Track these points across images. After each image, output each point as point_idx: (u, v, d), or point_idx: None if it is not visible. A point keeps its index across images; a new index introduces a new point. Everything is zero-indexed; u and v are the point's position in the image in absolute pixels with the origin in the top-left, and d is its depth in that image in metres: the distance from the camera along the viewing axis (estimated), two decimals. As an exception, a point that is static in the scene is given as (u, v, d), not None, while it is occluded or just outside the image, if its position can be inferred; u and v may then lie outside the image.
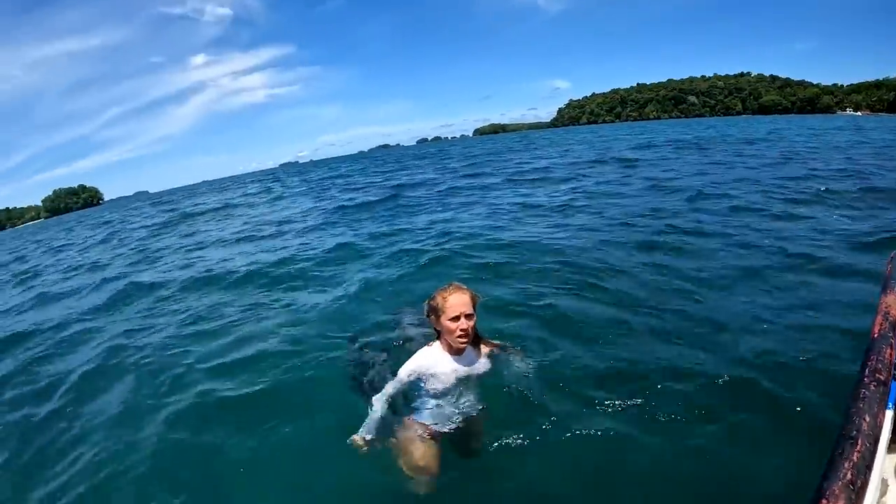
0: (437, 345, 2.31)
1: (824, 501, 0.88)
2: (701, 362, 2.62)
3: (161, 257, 8.29)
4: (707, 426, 2.14)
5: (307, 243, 7.15)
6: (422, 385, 2.28)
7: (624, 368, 2.65)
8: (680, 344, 2.86)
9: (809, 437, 1.90)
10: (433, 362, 2.26)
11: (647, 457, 2.03)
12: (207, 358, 3.41)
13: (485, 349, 2.42)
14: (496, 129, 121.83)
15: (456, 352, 2.27)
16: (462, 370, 2.29)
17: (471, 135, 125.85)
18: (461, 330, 2.15)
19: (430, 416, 2.21)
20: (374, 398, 2.26)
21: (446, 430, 2.18)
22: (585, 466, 2.04)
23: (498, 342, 2.59)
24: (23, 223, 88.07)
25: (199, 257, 7.54)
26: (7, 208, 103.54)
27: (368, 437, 2.08)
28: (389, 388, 2.26)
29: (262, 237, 8.55)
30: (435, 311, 2.20)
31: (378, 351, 2.96)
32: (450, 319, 2.14)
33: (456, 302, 2.15)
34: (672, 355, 2.72)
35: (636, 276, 4.03)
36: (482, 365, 2.36)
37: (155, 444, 2.49)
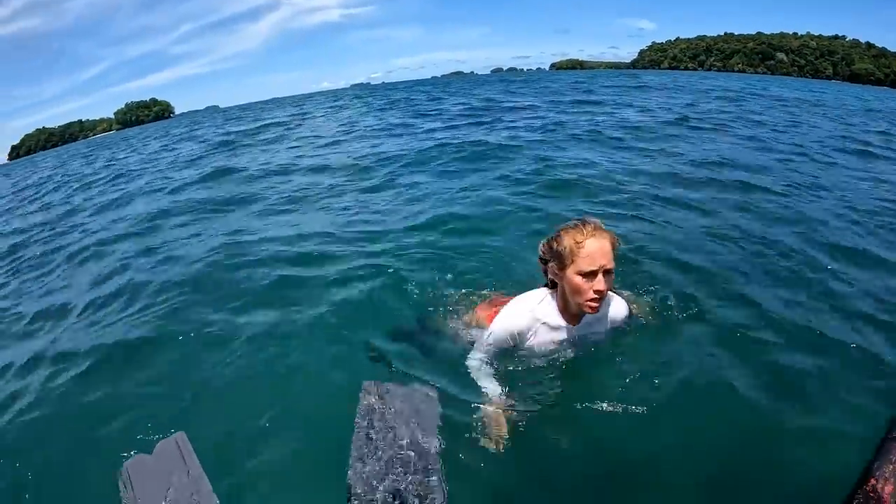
0: (548, 299, 1.65)
1: (873, 480, 0.91)
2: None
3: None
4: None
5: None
6: (509, 352, 1.70)
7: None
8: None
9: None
10: (536, 325, 1.63)
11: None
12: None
13: (614, 307, 1.71)
14: (574, 65, 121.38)
15: (575, 315, 1.63)
16: (573, 338, 1.66)
17: (547, 68, 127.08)
18: (595, 292, 1.50)
19: (506, 391, 1.61)
20: (476, 374, 1.66)
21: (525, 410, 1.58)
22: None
23: (631, 295, 1.84)
24: (94, 134, 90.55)
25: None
26: (80, 120, 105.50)
27: (501, 430, 1.50)
28: (481, 356, 1.70)
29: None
30: (559, 259, 1.55)
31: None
32: (582, 275, 1.49)
33: (593, 250, 1.48)
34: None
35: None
36: (603, 332, 1.71)
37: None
